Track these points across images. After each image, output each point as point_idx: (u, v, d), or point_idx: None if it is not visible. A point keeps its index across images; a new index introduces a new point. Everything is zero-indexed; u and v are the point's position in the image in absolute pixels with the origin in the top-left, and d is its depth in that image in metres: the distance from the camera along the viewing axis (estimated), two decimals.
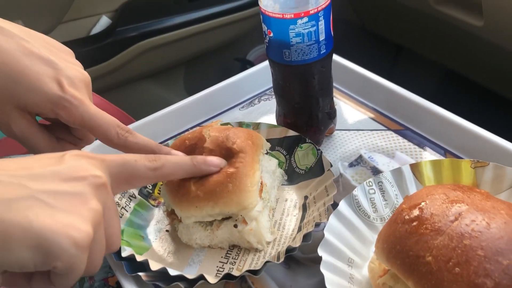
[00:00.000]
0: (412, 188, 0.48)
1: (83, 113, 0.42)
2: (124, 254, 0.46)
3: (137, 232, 0.51)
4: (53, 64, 0.41)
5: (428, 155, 0.58)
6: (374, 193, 0.48)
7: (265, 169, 0.52)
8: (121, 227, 0.49)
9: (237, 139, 0.48)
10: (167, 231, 0.52)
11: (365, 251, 0.45)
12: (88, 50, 1.14)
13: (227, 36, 1.30)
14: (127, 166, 0.38)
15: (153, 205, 0.55)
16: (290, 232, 0.49)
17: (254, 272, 0.43)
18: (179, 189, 0.46)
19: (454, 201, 0.37)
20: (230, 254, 0.48)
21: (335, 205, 0.47)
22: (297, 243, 0.44)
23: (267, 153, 0.54)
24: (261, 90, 0.74)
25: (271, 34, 0.52)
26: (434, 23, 1.00)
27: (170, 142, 0.59)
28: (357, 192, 0.47)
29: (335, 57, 0.70)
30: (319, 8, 0.49)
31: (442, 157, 0.57)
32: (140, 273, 0.45)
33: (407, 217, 0.37)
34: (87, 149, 0.62)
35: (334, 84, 0.67)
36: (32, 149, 0.44)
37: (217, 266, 0.47)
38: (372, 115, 0.66)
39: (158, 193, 0.56)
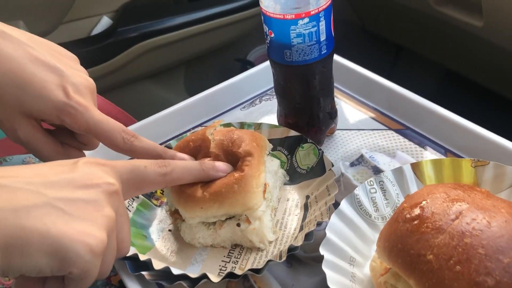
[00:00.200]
0: (413, 187, 0.48)
1: (88, 119, 0.42)
2: None
3: (140, 231, 0.51)
4: (59, 71, 0.42)
5: (429, 155, 0.58)
6: (375, 192, 0.48)
7: (267, 169, 0.52)
8: None
9: (242, 143, 0.48)
10: (169, 230, 0.52)
11: (367, 250, 0.45)
12: (89, 51, 1.15)
13: (228, 36, 1.30)
14: (137, 172, 0.39)
15: (156, 205, 0.55)
16: (292, 232, 0.50)
17: (256, 271, 0.44)
18: (184, 190, 0.46)
19: (454, 200, 0.37)
20: (233, 253, 0.49)
21: (336, 205, 0.47)
22: (299, 242, 0.45)
23: (269, 154, 0.54)
24: (262, 90, 0.75)
25: (272, 35, 0.52)
26: (434, 23, 1.00)
27: (172, 142, 0.59)
28: (359, 192, 0.48)
29: (336, 57, 0.71)
30: (320, 9, 0.50)
31: (442, 157, 0.57)
32: (143, 272, 0.45)
33: (408, 215, 0.38)
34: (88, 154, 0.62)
35: (335, 84, 0.67)
36: (37, 154, 0.44)
37: (220, 265, 0.47)
38: (373, 115, 0.66)
39: (160, 193, 0.57)
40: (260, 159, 0.48)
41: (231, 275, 0.43)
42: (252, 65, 1.31)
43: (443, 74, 1.28)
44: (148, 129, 0.67)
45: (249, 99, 0.73)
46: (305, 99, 0.57)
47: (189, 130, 0.69)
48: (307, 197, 0.53)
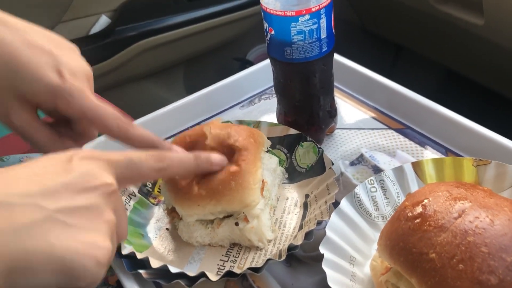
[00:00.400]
0: (414, 186, 0.48)
1: (83, 104, 0.41)
2: (124, 251, 0.45)
3: (137, 230, 0.51)
4: (54, 56, 0.41)
5: (429, 154, 0.58)
6: (376, 191, 0.48)
7: (266, 167, 0.52)
8: None
9: (239, 137, 0.48)
10: (167, 229, 0.52)
11: (367, 249, 0.45)
12: (87, 50, 1.14)
13: (227, 35, 1.30)
14: (133, 167, 0.37)
15: (153, 204, 0.55)
16: (291, 231, 0.49)
17: (255, 270, 0.43)
18: (180, 188, 0.46)
19: (457, 198, 0.37)
20: (231, 252, 0.48)
21: (336, 204, 0.46)
22: (298, 241, 0.44)
23: (268, 151, 0.54)
24: (262, 89, 0.74)
25: (273, 32, 0.52)
26: (434, 22, 1.00)
27: (170, 140, 0.58)
28: (359, 190, 0.47)
29: (336, 56, 0.70)
30: (321, 6, 0.49)
31: (443, 156, 0.57)
32: (140, 271, 0.44)
33: (410, 214, 0.37)
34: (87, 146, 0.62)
35: (335, 84, 0.67)
36: (32, 142, 0.43)
37: (218, 264, 0.47)
38: (373, 114, 0.65)
39: (158, 191, 0.56)
40: (256, 155, 0.48)
41: (229, 274, 0.43)
42: (251, 64, 1.31)
43: (444, 73, 1.28)
44: (146, 127, 0.65)
45: (248, 98, 0.73)
46: (305, 97, 0.56)
47: (187, 129, 0.68)
48: (307, 195, 0.52)
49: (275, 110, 0.62)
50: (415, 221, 0.36)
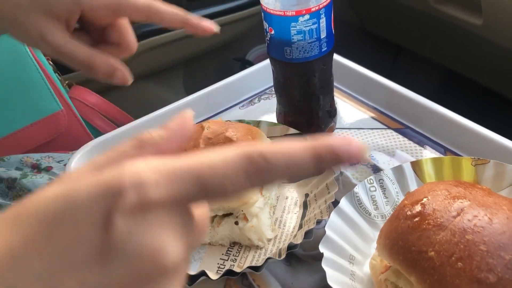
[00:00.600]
0: (413, 186, 0.48)
1: None
2: None
3: None
4: None
5: (428, 154, 0.58)
6: (375, 190, 0.48)
7: None
8: None
9: (237, 133, 0.48)
10: None
11: (366, 248, 0.45)
12: None
13: (227, 35, 1.30)
14: (212, 195, 0.21)
15: None
16: (291, 230, 0.49)
17: (255, 269, 0.43)
18: None
19: (456, 197, 0.37)
20: (231, 251, 0.48)
21: (336, 203, 0.47)
22: (298, 240, 0.44)
23: None
24: (261, 89, 0.74)
25: (272, 32, 0.52)
26: (433, 22, 1.00)
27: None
28: (358, 190, 0.47)
29: (336, 56, 0.70)
30: (321, 6, 0.49)
31: (442, 155, 0.57)
32: None
33: (409, 212, 0.37)
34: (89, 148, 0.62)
35: (335, 84, 0.67)
36: (70, 59, 0.42)
37: (218, 263, 0.47)
38: (372, 114, 0.66)
39: None
40: None
41: (229, 273, 0.43)
42: (251, 64, 1.31)
43: (443, 73, 1.28)
44: (145, 127, 0.66)
45: (248, 98, 0.73)
46: (304, 97, 0.57)
47: None
48: (306, 195, 0.52)
49: (275, 110, 0.63)
50: (414, 220, 0.36)
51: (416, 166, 0.49)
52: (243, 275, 0.46)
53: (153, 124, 0.67)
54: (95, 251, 0.19)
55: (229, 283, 0.46)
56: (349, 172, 0.57)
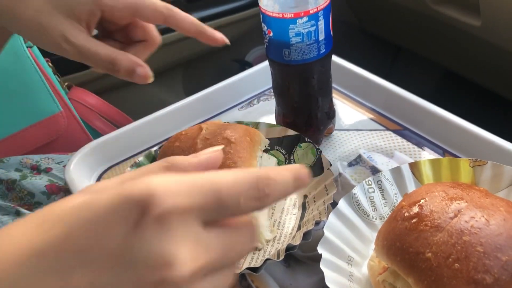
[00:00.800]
0: (411, 187, 0.48)
1: None
2: None
3: None
4: None
5: (427, 155, 0.58)
6: (374, 192, 0.48)
7: (264, 166, 0.52)
8: None
9: (235, 134, 0.48)
10: None
11: (365, 250, 0.45)
12: None
13: (226, 37, 1.30)
14: (225, 212, 0.23)
15: None
16: (290, 231, 0.50)
17: (254, 270, 0.43)
18: None
19: (453, 198, 0.37)
20: None
21: (334, 204, 0.47)
22: (297, 241, 0.45)
23: (266, 152, 0.54)
24: (260, 90, 0.75)
25: (271, 34, 0.52)
26: (432, 23, 1.00)
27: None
28: (357, 191, 0.48)
29: (335, 58, 0.71)
30: (319, 8, 0.50)
31: (440, 157, 0.57)
32: None
33: (406, 214, 0.38)
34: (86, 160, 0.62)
35: (334, 85, 0.67)
36: (92, 58, 0.42)
37: None
38: (371, 116, 0.66)
39: None
40: (252, 153, 0.48)
41: None
42: (250, 66, 1.31)
43: (442, 74, 1.29)
44: (145, 129, 0.67)
45: (247, 99, 0.73)
46: (303, 98, 0.57)
47: None
48: (305, 196, 0.53)
49: (274, 111, 0.63)
50: (412, 221, 0.37)
51: (414, 167, 0.49)
52: (241, 276, 0.46)
53: (153, 125, 0.67)
54: (108, 254, 0.20)
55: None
56: (347, 174, 0.57)
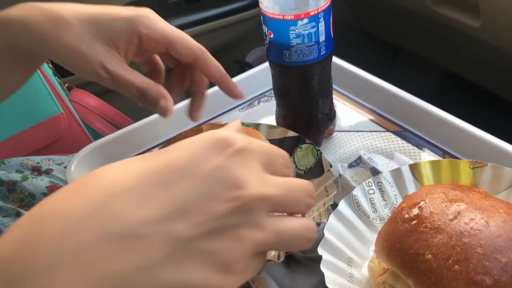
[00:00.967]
0: (411, 188, 0.48)
1: (162, 26, 0.44)
2: None
3: None
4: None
5: (427, 156, 0.58)
6: (374, 193, 0.48)
7: None
8: None
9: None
10: None
11: (365, 251, 0.45)
12: None
13: (226, 38, 1.30)
14: (286, 208, 0.29)
15: None
16: None
17: None
18: None
19: (453, 200, 0.37)
20: None
21: (334, 206, 0.47)
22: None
23: None
24: (261, 91, 0.75)
25: (272, 35, 0.52)
26: (432, 24, 1.01)
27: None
28: (357, 192, 0.48)
29: (335, 59, 0.71)
30: (319, 10, 0.50)
31: (440, 158, 0.57)
32: None
33: (406, 215, 0.38)
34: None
35: (334, 86, 0.68)
36: (126, 88, 0.44)
37: None
38: (371, 117, 0.66)
39: None
40: None
41: None
42: (250, 67, 1.31)
43: (441, 75, 1.29)
44: (145, 130, 0.67)
45: (247, 101, 0.73)
46: (304, 100, 0.57)
47: None
48: None
49: (274, 112, 0.63)
50: (412, 223, 0.37)
51: (415, 169, 0.49)
52: None
53: (153, 126, 0.67)
54: (205, 173, 0.25)
55: None
56: (348, 175, 0.57)
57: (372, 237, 0.46)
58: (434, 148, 0.59)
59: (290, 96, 0.57)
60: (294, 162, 0.57)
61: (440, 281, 0.33)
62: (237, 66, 1.41)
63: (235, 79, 0.73)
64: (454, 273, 0.33)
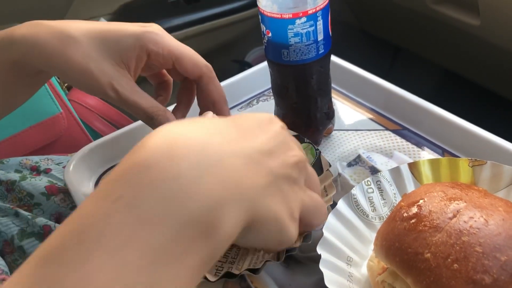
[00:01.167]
0: (411, 187, 0.48)
1: (170, 42, 0.44)
2: None
3: None
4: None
5: (426, 155, 0.58)
6: (373, 192, 0.48)
7: None
8: None
9: None
10: None
11: (364, 250, 0.45)
12: None
13: (225, 37, 1.30)
14: (312, 215, 0.36)
15: None
16: None
17: (254, 271, 0.43)
18: None
19: (452, 198, 0.37)
20: (229, 253, 0.48)
21: (333, 205, 0.47)
22: (297, 243, 0.44)
23: None
24: (260, 91, 0.75)
25: (270, 34, 0.52)
26: (431, 23, 1.01)
27: None
28: (356, 192, 0.48)
29: (334, 58, 0.71)
30: (317, 8, 0.50)
31: (440, 156, 0.57)
32: None
33: (405, 214, 0.38)
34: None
35: (333, 85, 0.67)
36: (134, 110, 0.44)
37: (216, 266, 0.47)
38: (370, 115, 0.66)
39: None
40: None
41: (228, 275, 0.43)
42: (250, 66, 1.31)
43: (441, 74, 1.29)
44: (145, 130, 0.66)
45: (246, 100, 0.73)
46: (302, 99, 0.57)
47: None
48: None
49: (273, 111, 0.63)
50: (411, 222, 0.37)
51: (414, 167, 0.49)
52: (241, 277, 0.46)
53: None
54: (273, 133, 0.32)
55: (228, 285, 0.46)
56: (347, 174, 0.57)
57: (371, 236, 0.46)
58: (434, 147, 0.59)
59: (289, 95, 0.57)
60: None
61: (439, 280, 0.33)
62: (237, 65, 1.41)
63: (234, 78, 0.73)
64: (453, 271, 0.32)
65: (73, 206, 0.58)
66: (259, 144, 0.30)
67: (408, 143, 0.60)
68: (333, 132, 0.63)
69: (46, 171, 0.62)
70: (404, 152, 0.59)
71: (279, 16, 0.49)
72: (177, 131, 0.28)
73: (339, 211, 0.46)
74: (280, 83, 0.57)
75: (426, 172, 0.48)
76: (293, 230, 0.32)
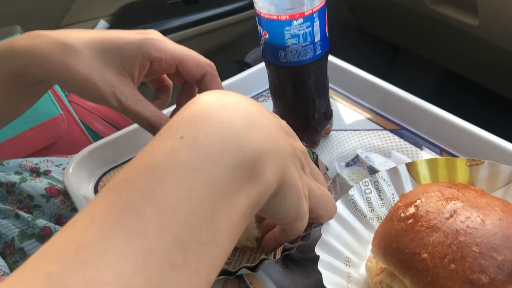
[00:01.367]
0: (408, 187, 0.48)
1: (171, 47, 0.45)
2: None
3: None
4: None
5: (424, 154, 0.58)
6: (370, 192, 0.48)
7: None
8: None
9: None
10: None
11: (362, 250, 0.45)
12: None
13: (225, 38, 1.31)
14: (318, 205, 0.40)
15: None
16: None
17: (251, 269, 0.43)
18: None
19: (449, 198, 0.37)
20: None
21: None
22: (295, 243, 0.45)
23: None
24: (258, 91, 0.75)
25: (267, 36, 0.52)
26: (430, 23, 1.01)
27: None
28: (353, 192, 0.48)
29: (331, 58, 0.71)
30: (314, 9, 0.50)
31: (438, 156, 0.57)
32: None
33: (402, 215, 0.38)
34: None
35: (331, 85, 0.68)
36: (136, 119, 0.45)
37: None
38: (368, 115, 0.66)
39: None
40: None
41: (225, 272, 0.43)
42: (249, 67, 1.31)
43: (440, 73, 1.29)
44: (145, 131, 0.67)
45: None
46: (300, 99, 0.57)
47: None
48: None
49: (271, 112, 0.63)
50: (408, 222, 0.37)
51: (411, 167, 0.49)
52: (240, 278, 0.46)
53: None
54: (282, 127, 0.35)
55: (227, 285, 0.46)
56: (345, 174, 0.57)
57: (370, 236, 0.46)
58: (432, 146, 0.59)
59: (287, 96, 0.57)
60: None
61: (436, 280, 0.33)
62: (236, 66, 1.41)
63: (232, 79, 0.73)
64: (450, 272, 0.33)
65: (73, 208, 0.58)
66: (282, 125, 0.35)
67: (406, 142, 0.60)
68: (332, 132, 0.64)
69: (46, 173, 0.62)
70: (402, 151, 0.59)
71: (276, 17, 0.50)
72: (223, 94, 0.32)
73: (337, 212, 0.46)
74: (277, 84, 0.57)
75: (423, 172, 0.49)
76: (306, 207, 0.36)
